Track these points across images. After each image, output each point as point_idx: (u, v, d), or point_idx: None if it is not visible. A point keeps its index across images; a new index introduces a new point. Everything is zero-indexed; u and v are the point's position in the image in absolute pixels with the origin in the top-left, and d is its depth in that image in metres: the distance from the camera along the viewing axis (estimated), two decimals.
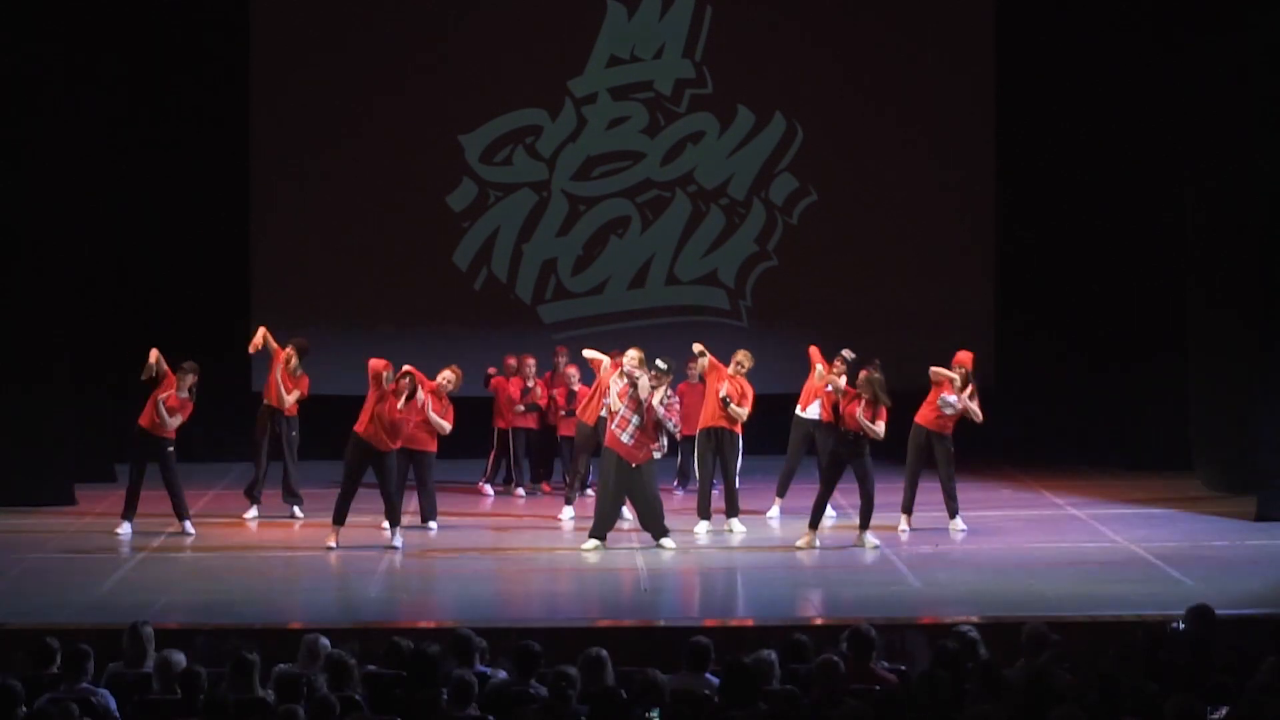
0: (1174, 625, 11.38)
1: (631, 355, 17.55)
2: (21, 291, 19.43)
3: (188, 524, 17.88)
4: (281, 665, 10.92)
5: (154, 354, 17.72)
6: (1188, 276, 20.51)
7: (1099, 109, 21.76)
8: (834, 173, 22.53)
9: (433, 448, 18.11)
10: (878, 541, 17.20)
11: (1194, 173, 20.16)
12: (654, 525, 17.27)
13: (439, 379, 18.06)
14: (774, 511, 18.69)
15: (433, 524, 18.22)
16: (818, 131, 22.47)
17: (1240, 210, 19.24)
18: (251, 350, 18.73)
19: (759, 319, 22.38)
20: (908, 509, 17.97)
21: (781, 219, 22.59)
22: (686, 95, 22.52)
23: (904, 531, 17.83)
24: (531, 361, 20.20)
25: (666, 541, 17.20)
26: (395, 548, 17.20)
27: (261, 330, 18.74)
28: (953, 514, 18.04)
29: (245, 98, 22.11)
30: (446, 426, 17.93)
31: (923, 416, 18.03)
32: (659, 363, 17.35)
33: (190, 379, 17.78)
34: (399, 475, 17.67)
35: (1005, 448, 21.79)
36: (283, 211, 22.27)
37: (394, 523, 17.39)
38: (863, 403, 17.13)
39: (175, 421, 17.74)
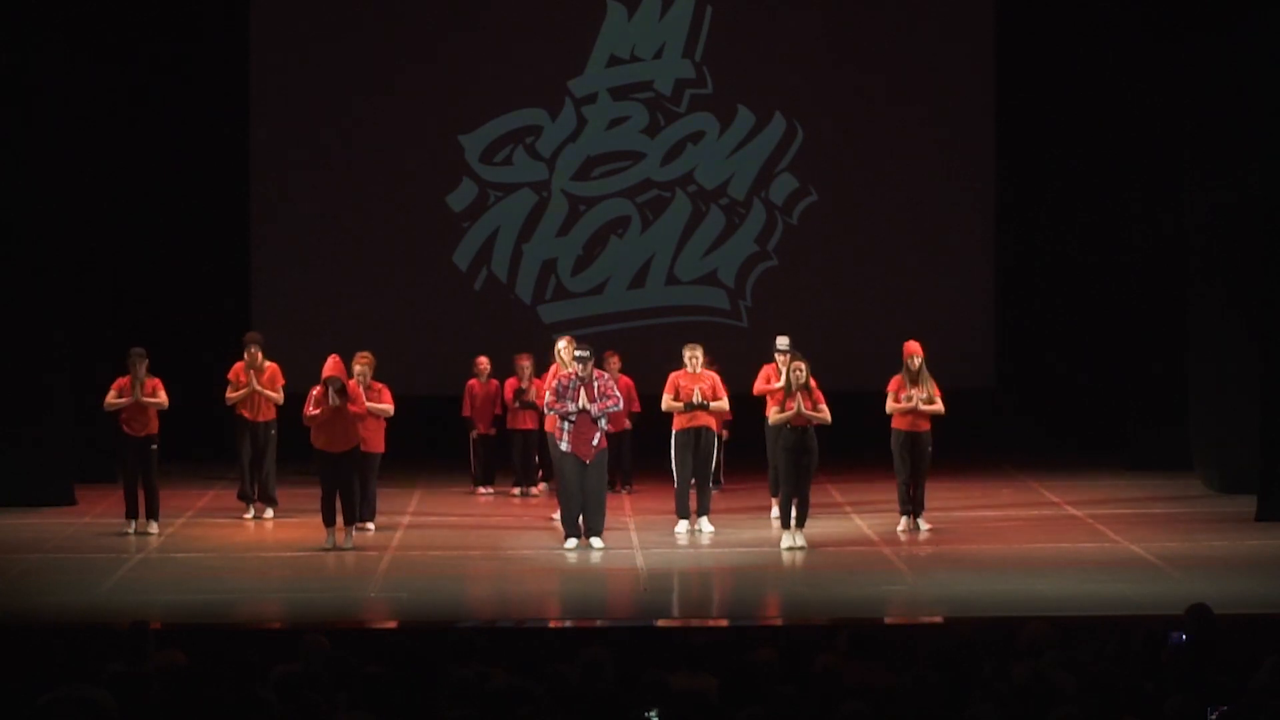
0: (1175, 635, 11.36)
1: (561, 345, 18.19)
2: (21, 292, 19.44)
3: (154, 524, 17.97)
4: (282, 665, 10.90)
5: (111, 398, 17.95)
6: (1188, 276, 20.50)
7: (1100, 109, 21.77)
8: (834, 173, 22.54)
9: (379, 448, 18.10)
10: (804, 544, 17.12)
11: (1195, 172, 20.15)
12: (594, 521, 17.27)
13: (355, 373, 17.94)
14: (776, 512, 18.66)
15: (370, 525, 18.15)
16: (818, 131, 22.47)
17: (1241, 210, 19.23)
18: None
19: (759, 319, 22.36)
20: (906, 510, 17.97)
21: (781, 219, 22.59)
22: (686, 95, 22.52)
23: (904, 532, 17.83)
24: (527, 363, 20.06)
25: (596, 541, 17.20)
26: (345, 548, 17.19)
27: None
28: (918, 513, 17.99)
29: (245, 98, 22.11)
30: (389, 409, 17.93)
31: (897, 422, 17.98)
32: (578, 350, 17.38)
33: (142, 365, 17.86)
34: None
35: (1005, 448, 21.80)
36: (283, 211, 22.28)
37: (347, 520, 17.36)
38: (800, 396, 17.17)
39: (159, 399, 17.89)
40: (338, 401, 17.21)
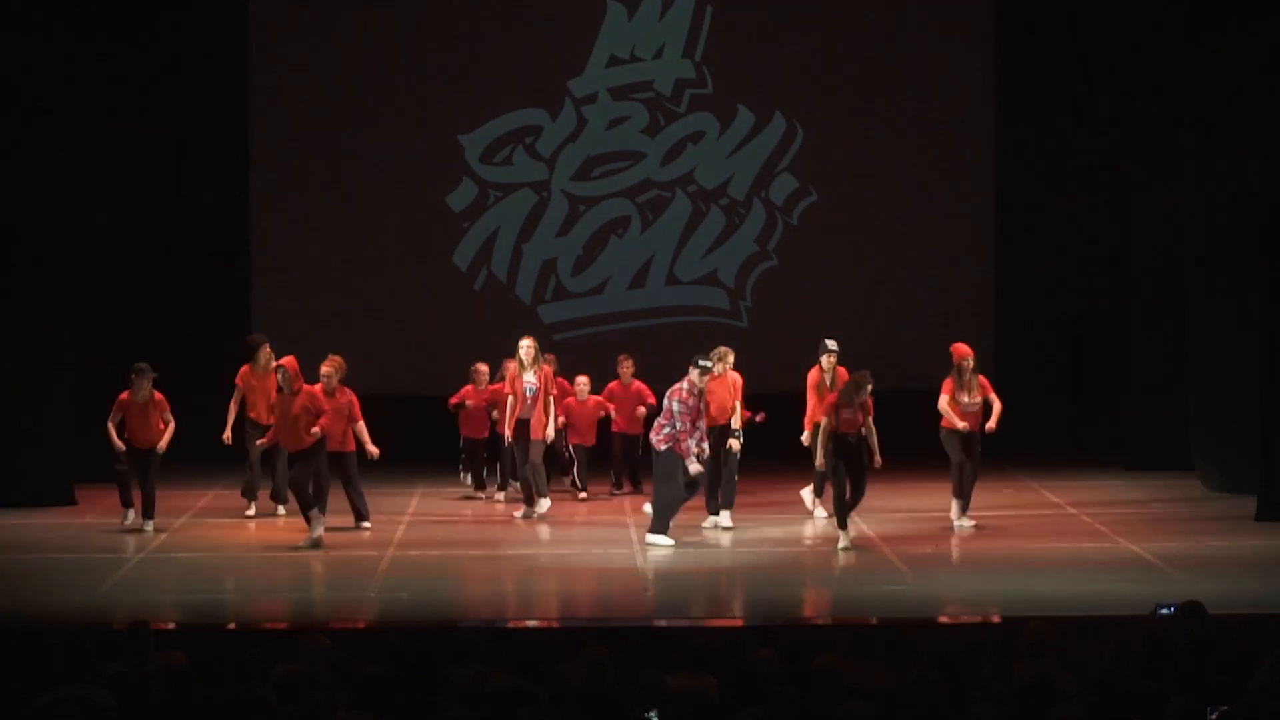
0: (1163, 610, 11.39)
1: (526, 344, 18.55)
2: (23, 291, 19.44)
3: (149, 524, 18.03)
4: (282, 665, 10.91)
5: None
6: (1188, 275, 20.50)
7: (1099, 107, 21.76)
8: (834, 173, 22.53)
9: (350, 447, 18.06)
10: (849, 544, 17.16)
11: (1195, 171, 20.15)
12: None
13: (321, 375, 17.97)
14: (820, 512, 18.63)
15: (365, 524, 18.16)
16: (818, 131, 22.47)
17: (1241, 209, 19.23)
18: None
19: (759, 319, 22.37)
20: (965, 507, 18.00)
21: (781, 219, 22.59)
22: (686, 95, 22.52)
23: (968, 525, 17.86)
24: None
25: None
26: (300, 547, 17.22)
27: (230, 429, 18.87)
28: (965, 509, 18.09)
29: (245, 99, 22.10)
30: (360, 427, 17.91)
31: (949, 421, 18.01)
32: (702, 361, 17.54)
33: (146, 380, 17.94)
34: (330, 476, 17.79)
35: (1005, 448, 21.76)
36: (283, 211, 22.27)
37: (304, 511, 17.40)
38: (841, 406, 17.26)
39: (167, 434, 18.04)
40: (286, 389, 17.26)
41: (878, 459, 17.27)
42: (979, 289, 22.49)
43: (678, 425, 17.27)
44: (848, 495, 17.13)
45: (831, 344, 18.50)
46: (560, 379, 19.75)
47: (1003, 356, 22.40)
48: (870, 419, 17.28)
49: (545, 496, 18.79)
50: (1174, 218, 20.67)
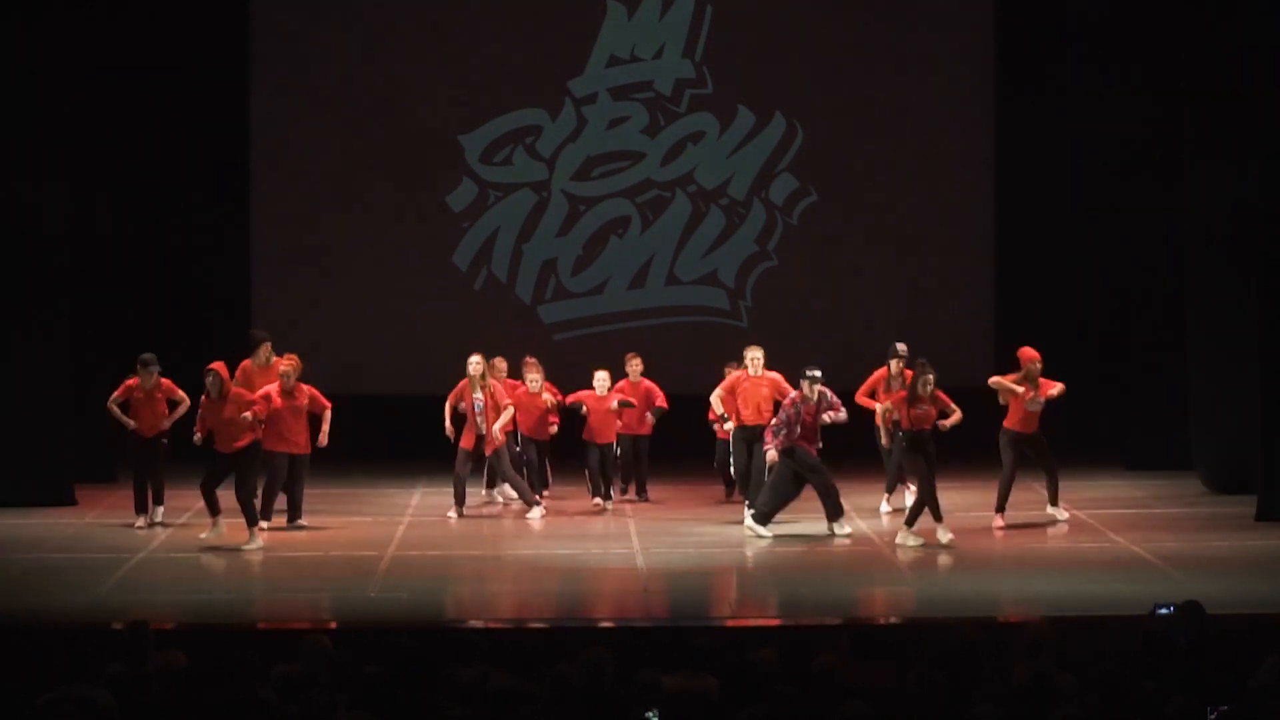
0: (1162, 610, 11.39)
1: (474, 361, 18.63)
2: (22, 291, 19.43)
3: (159, 510, 18.20)
4: (282, 665, 10.90)
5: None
6: (1188, 276, 20.49)
7: (1100, 109, 21.75)
8: (834, 173, 22.53)
9: (300, 450, 18.11)
10: (922, 541, 17.17)
11: (1195, 172, 20.14)
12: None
13: (279, 374, 18.07)
14: (885, 506, 18.80)
15: (300, 520, 18.22)
16: (818, 131, 22.47)
17: (1241, 210, 19.22)
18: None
19: (759, 319, 22.37)
20: (1002, 508, 18.06)
21: (781, 219, 22.59)
22: (686, 95, 22.52)
23: (1001, 529, 17.93)
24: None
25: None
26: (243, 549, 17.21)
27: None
28: (1055, 500, 18.29)
29: (245, 98, 22.11)
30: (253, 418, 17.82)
31: (1010, 422, 18.13)
32: (810, 371, 17.66)
33: (153, 373, 18.02)
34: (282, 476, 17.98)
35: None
36: (282, 211, 22.28)
37: (248, 522, 17.40)
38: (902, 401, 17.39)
39: (179, 410, 18.15)
40: (213, 393, 17.32)
41: (944, 423, 17.45)
42: (979, 288, 22.50)
43: (781, 432, 17.36)
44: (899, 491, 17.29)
45: (901, 347, 18.61)
46: (512, 380, 19.50)
47: (1003, 355, 22.39)
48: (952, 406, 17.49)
49: (459, 506, 18.80)
50: (1175, 217, 20.66)
